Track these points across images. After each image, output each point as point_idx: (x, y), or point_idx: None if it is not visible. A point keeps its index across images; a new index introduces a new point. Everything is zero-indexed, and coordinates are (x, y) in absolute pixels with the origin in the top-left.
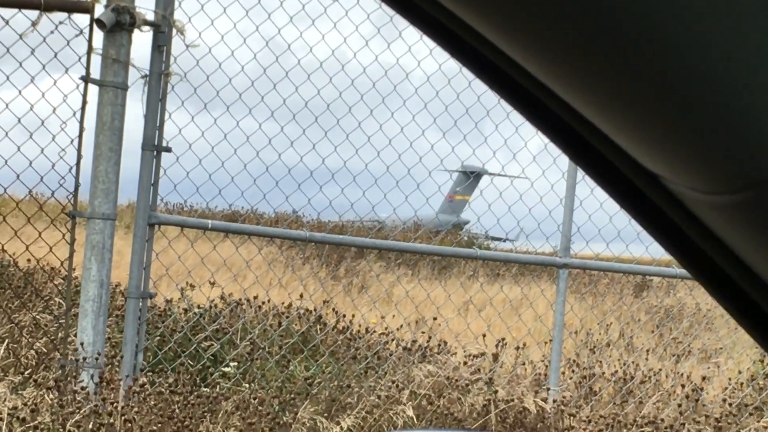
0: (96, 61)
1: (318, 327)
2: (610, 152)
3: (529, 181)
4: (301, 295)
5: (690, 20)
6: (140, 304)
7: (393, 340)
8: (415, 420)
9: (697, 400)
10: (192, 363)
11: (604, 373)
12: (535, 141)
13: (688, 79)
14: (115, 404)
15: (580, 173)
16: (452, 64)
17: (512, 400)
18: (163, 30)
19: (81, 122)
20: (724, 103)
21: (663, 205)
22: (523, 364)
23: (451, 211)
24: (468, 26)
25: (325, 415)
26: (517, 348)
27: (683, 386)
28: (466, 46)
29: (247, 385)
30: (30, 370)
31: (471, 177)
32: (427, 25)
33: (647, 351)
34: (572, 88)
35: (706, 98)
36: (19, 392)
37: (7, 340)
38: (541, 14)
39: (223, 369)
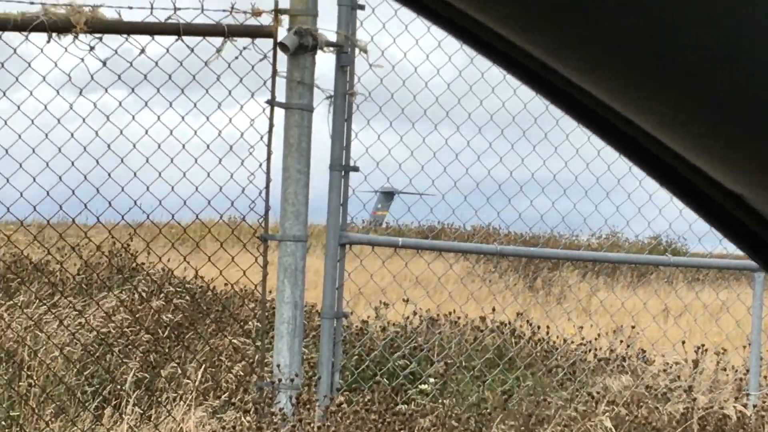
0: (281, 84)
1: (513, 340)
2: (698, 178)
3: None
4: (494, 309)
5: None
6: (335, 324)
7: (590, 350)
8: (613, 431)
9: None
10: (388, 381)
11: None
12: None
13: (760, 99)
14: (311, 424)
15: None
16: None
17: (712, 407)
18: (345, 50)
19: (269, 145)
20: None
21: (750, 223)
22: (724, 369)
23: (375, 225)
24: (526, 52)
25: (522, 429)
26: (717, 354)
27: None
28: (533, 72)
29: (444, 402)
30: (228, 393)
31: (390, 197)
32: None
33: None
34: (646, 111)
35: None
36: (218, 415)
37: (204, 365)
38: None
39: (420, 387)
